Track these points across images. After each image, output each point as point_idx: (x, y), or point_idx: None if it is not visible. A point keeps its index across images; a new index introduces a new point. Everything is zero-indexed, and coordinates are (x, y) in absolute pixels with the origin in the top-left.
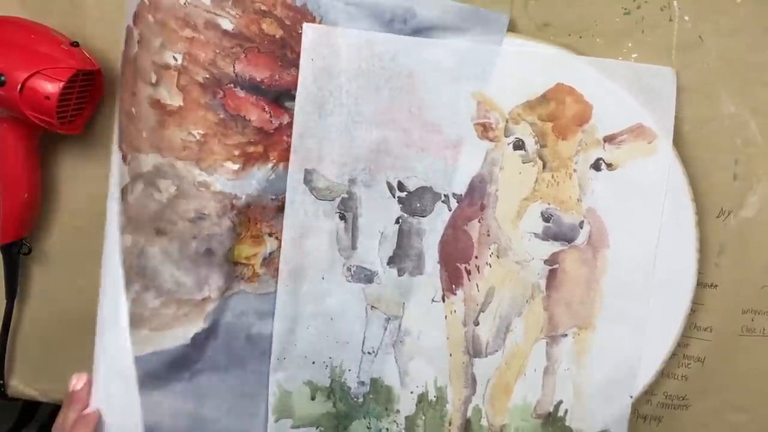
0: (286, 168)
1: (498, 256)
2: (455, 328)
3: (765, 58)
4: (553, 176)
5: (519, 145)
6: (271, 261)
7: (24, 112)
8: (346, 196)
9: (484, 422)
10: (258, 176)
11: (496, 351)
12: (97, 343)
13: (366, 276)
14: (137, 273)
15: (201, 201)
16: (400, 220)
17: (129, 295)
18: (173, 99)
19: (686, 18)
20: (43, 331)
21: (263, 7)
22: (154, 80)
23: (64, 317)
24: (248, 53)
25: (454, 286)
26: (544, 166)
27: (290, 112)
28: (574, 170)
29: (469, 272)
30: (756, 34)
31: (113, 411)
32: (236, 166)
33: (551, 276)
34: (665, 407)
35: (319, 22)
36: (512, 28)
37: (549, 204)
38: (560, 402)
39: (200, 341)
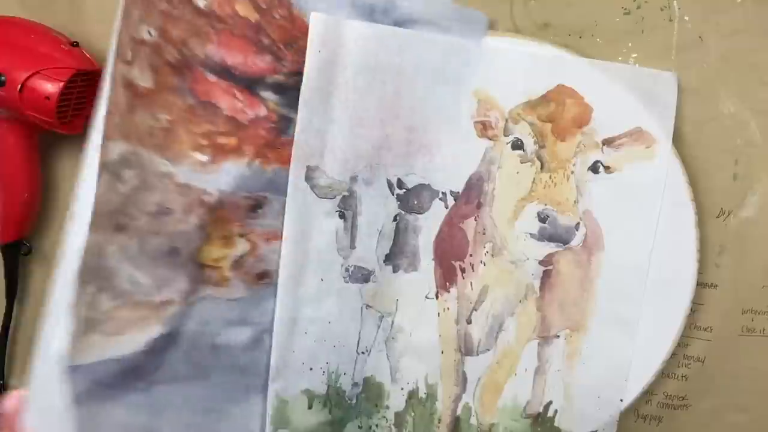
0: (263, 164)
1: (493, 255)
2: (448, 326)
3: (765, 59)
4: (550, 177)
5: (518, 145)
6: (241, 264)
7: (24, 112)
8: (346, 194)
9: (473, 421)
10: (231, 172)
11: (488, 350)
12: (35, 353)
13: (363, 275)
14: (93, 274)
15: (164, 194)
16: (398, 218)
17: (82, 298)
18: (144, 79)
19: (686, 18)
20: None
21: None
22: (129, 57)
23: None
24: (220, 35)
25: (448, 283)
26: (542, 167)
27: (267, 103)
28: (572, 172)
29: (463, 270)
30: (756, 34)
31: (49, 427)
32: (205, 158)
33: (545, 277)
34: (665, 407)
35: (297, 9)
36: (512, 28)
37: (545, 205)
38: (550, 403)
39: (158, 348)
